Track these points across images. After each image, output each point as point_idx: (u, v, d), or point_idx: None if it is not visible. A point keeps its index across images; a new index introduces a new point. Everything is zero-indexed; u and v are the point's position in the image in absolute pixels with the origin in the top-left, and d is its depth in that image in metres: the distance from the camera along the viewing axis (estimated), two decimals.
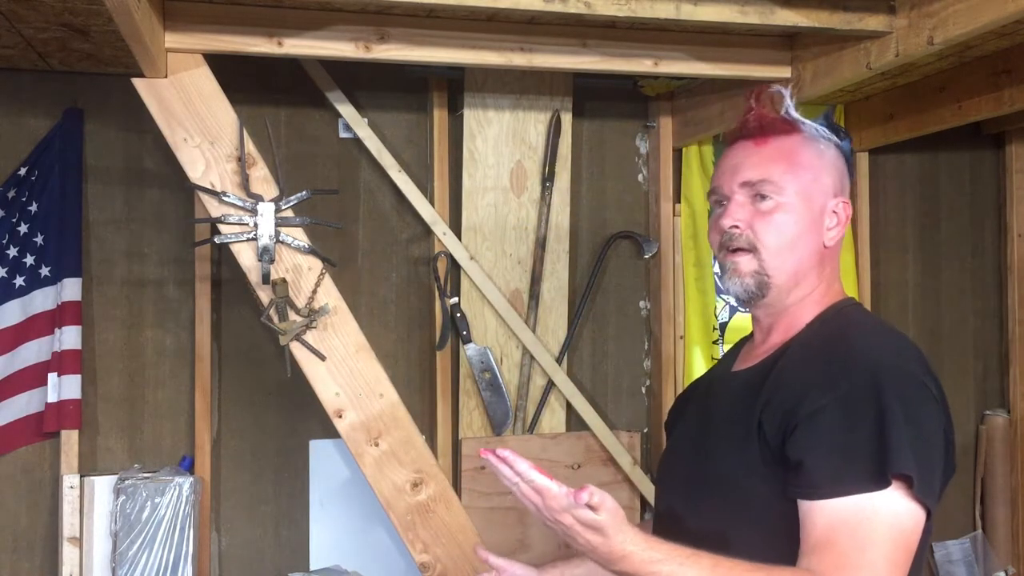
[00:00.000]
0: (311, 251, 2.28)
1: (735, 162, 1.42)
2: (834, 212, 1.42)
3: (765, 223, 1.38)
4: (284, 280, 2.24)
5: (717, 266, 1.42)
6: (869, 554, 1.20)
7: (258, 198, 2.23)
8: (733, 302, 3.08)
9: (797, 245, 1.39)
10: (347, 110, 2.86)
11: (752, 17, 2.17)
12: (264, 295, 2.26)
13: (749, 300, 1.43)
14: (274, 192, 2.26)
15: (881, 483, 1.23)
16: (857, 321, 1.44)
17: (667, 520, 1.50)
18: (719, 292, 3.13)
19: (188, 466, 2.75)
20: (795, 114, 1.45)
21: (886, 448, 1.23)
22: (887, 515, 1.22)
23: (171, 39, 2.18)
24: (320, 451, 2.90)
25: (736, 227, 1.39)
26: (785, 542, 1.29)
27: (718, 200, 1.44)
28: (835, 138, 1.46)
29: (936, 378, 1.35)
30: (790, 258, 1.39)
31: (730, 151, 1.46)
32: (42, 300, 2.69)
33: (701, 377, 1.76)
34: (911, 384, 1.30)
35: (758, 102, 1.45)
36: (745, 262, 1.39)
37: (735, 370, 1.51)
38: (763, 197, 1.38)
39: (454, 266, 2.95)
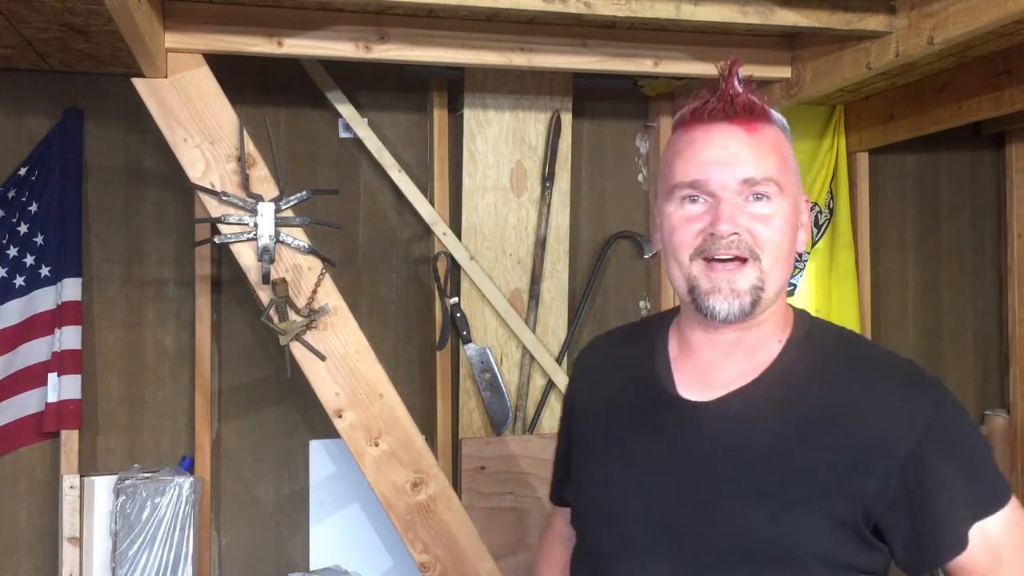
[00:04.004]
0: (311, 251, 2.28)
1: (720, 152, 1.14)
2: (804, 215, 1.22)
3: (766, 228, 1.14)
4: (284, 280, 2.24)
5: (687, 271, 1.16)
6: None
7: (258, 198, 2.23)
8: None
9: (790, 255, 1.17)
10: (347, 110, 2.86)
11: (752, 17, 2.17)
12: (264, 295, 2.26)
13: (734, 322, 1.15)
14: (274, 192, 2.26)
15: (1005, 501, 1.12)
16: (864, 341, 1.30)
17: None
18: None
19: (188, 466, 2.75)
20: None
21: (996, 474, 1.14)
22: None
23: (171, 39, 2.18)
24: (320, 451, 2.90)
25: (737, 233, 1.13)
26: None
27: (692, 195, 1.16)
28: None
29: None
30: (784, 271, 1.17)
31: (705, 134, 1.17)
32: (42, 300, 2.69)
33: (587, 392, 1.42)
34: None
35: (734, 78, 1.18)
36: (743, 277, 1.13)
37: (700, 400, 1.19)
38: (761, 197, 1.14)
39: (454, 266, 2.95)
